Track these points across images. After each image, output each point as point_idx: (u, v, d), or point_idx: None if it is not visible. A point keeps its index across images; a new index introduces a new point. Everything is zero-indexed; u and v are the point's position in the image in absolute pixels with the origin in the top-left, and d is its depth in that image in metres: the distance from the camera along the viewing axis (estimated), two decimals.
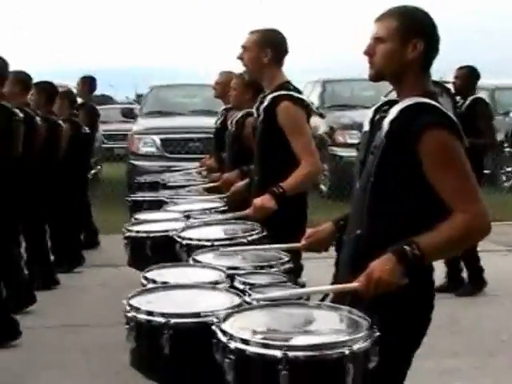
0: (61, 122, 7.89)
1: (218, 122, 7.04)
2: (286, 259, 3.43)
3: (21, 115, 6.07)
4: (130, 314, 2.74)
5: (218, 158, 6.60)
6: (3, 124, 5.70)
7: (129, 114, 16.20)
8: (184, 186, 6.19)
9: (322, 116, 12.77)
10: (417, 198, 2.81)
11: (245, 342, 2.35)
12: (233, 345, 2.36)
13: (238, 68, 5.61)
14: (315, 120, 14.32)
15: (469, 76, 7.30)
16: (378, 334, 2.43)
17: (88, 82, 9.99)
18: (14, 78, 6.29)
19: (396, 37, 2.86)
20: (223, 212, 4.69)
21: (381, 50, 2.89)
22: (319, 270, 5.39)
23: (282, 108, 4.27)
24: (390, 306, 2.74)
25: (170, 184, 6.37)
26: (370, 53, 2.95)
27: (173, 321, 2.64)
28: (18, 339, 5.73)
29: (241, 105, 5.87)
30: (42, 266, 7.30)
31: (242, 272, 3.22)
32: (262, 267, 3.33)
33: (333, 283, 3.16)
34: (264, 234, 3.89)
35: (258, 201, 4.18)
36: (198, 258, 3.47)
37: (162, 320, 2.65)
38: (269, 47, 4.40)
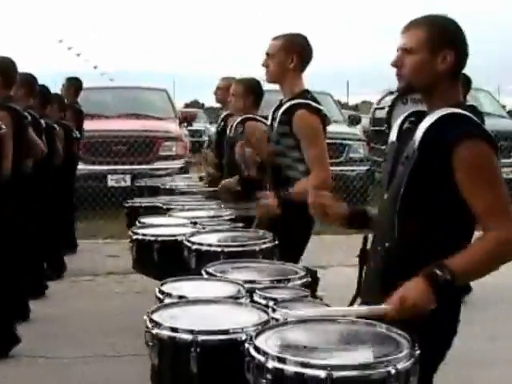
0: (55, 125, 7.81)
1: (219, 128, 6.93)
2: (303, 273, 3.32)
3: (29, 118, 5.97)
4: (152, 331, 2.60)
5: (218, 166, 6.48)
6: (13, 126, 5.55)
7: None
8: (184, 193, 6.11)
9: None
10: (449, 210, 2.73)
11: (282, 360, 2.22)
12: (270, 364, 2.22)
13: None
14: None
15: (461, 84, 7.29)
16: (418, 352, 2.33)
17: (74, 84, 9.85)
18: (19, 80, 6.17)
19: (425, 47, 2.78)
20: (231, 220, 4.58)
21: (410, 61, 2.81)
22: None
23: (298, 116, 4.20)
24: (421, 322, 2.65)
25: (170, 188, 6.29)
26: (398, 65, 2.86)
27: (201, 338, 2.50)
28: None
29: (240, 111, 5.78)
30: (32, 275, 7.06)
31: (261, 286, 3.10)
32: (279, 281, 3.21)
33: (357, 295, 3.08)
34: (275, 243, 3.80)
35: (262, 201, 4.23)
36: (211, 270, 3.35)
37: (189, 337, 2.51)
38: (295, 53, 4.32)
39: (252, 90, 5.73)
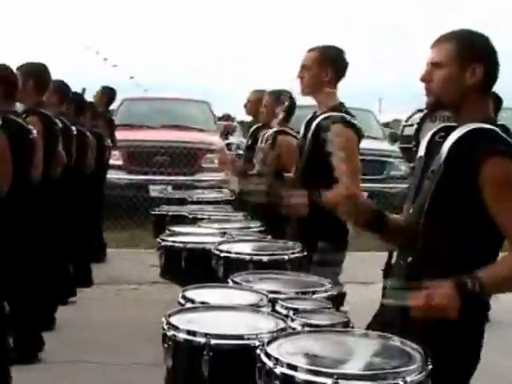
0: (88, 133, 7.91)
1: (249, 140, 6.92)
2: (329, 286, 3.30)
3: (60, 125, 6.05)
4: (168, 333, 2.61)
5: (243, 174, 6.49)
6: (44, 132, 5.63)
7: None
8: (211, 202, 6.14)
9: None
10: (473, 226, 2.70)
11: (292, 367, 2.21)
12: (279, 370, 2.22)
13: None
14: None
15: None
16: (431, 366, 2.29)
17: (107, 93, 9.96)
18: (52, 86, 6.25)
19: (454, 62, 2.76)
20: (260, 232, 4.58)
21: (438, 75, 2.80)
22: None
23: (333, 129, 4.18)
24: (442, 337, 2.62)
25: (196, 200, 6.32)
26: (427, 79, 2.85)
27: (214, 342, 2.50)
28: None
29: (271, 122, 5.80)
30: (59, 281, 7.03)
31: (284, 297, 3.09)
32: (304, 293, 3.20)
33: (380, 310, 3.05)
34: (304, 253, 3.79)
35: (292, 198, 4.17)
36: (237, 279, 3.35)
37: (202, 340, 2.51)
38: (330, 66, 4.32)
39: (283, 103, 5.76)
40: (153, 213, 5.93)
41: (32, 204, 5.21)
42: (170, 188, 11.03)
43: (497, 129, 2.73)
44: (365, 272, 8.23)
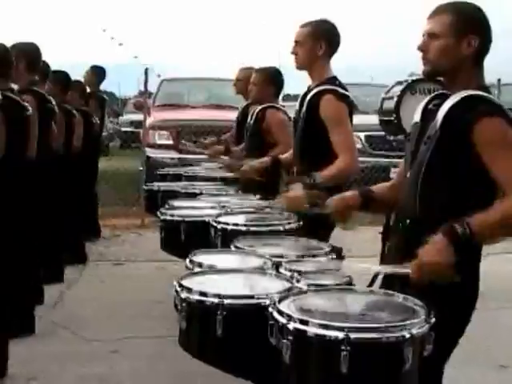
0: (74, 111, 7.97)
1: (239, 117, 7.04)
2: (328, 249, 3.43)
3: (53, 103, 6.14)
4: (182, 295, 2.73)
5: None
6: (38, 110, 5.70)
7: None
8: (205, 179, 6.19)
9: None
10: (469, 186, 2.83)
11: (304, 322, 2.34)
12: (292, 325, 2.35)
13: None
14: None
15: None
16: (433, 320, 2.43)
17: (97, 73, 9.96)
18: (53, 77, 6.29)
19: (451, 33, 2.88)
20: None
21: (435, 46, 2.91)
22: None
23: (324, 101, 4.29)
24: (439, 294, 2.76)
25: (191, 175, 6.37)
26: (423, 49, 2.97)
27: (227, 302, 2.62)
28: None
29: (261, 100, 5.92)
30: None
31: (287, 260, 3.22)
32: (305, 255, 3.33)
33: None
34: (300, 223, 3.90)
35: (290, 194, 4.15)
36: (240, 244, 3.48)
37: (215, 301, 2.63)
38: (323, 39, 4.40)
39: (272, 79, 5.88)
40: (145, 188, 5.98)
41: (28, 180, 5.29)
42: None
43: (489, 96, 2.86)
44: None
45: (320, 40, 4.39)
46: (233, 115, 12.86)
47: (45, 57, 6.22)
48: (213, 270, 3.06)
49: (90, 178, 9.15)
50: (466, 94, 2.85)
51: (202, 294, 2.69)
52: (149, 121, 12.42)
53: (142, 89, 12.15)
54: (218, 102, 13.74)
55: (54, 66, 7.10)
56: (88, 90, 9.34)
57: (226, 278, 2.97)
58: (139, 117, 27.01)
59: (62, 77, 7.76)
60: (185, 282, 2.80)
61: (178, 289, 2.77)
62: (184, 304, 2.73)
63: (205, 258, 3.26)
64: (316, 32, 4.41)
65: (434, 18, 2.94)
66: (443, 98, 2.97)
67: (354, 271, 2.86)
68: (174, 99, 14.17)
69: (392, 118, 6.81)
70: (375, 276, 3.06)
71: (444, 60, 2.91)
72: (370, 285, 3.05)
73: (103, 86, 10.74)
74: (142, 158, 11.28)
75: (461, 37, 2.87)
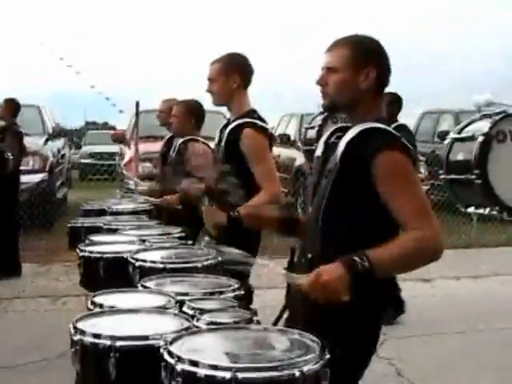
0: None
1: (164, 149, 7.00)
2: (237, 286, 3.38)
3: None
4: (75, 337, 2.65)
5: (162, 186, 6.56)
6: None
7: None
8: (130, 213, 6.12)
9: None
10: (370, 220, 2.82)
11: (194, 363, 2.28)
12: (180, 367, 2.29)
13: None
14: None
15: (392, 102, 7.05)
16: (328, 356, 2.39)
17: (11, 105, 9.84)
18: None
19: (348, 66, 2.89)
20: (180, 238, 4.63)
21: (334, 79, 2.92)
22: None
23: (245, 135, 4.30)
24: (341, 327, 2.74)
25: (115, 210, 6.29)
26: (322, 83, 2.97)
27: (119, 343, 2.56)
28: None
29: (182, 132, 5.99)
30: None
31: (192, 298, 3.16)
32: (212, 293, 3.27)
33: (285, 307, 3.15)
34: (219, 259, 3.85)
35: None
36: (147, 284, 3.41)
37: (108, 342, 2.56)
38: (236, 73, 4.40)
39: (193, 112, 5.89)
40: (69, 225, 5.89)
41: None
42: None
43: (388, 128, 2.87)
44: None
45: (233, 73, 4.39)
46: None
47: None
48: (111, 310, 2.98)
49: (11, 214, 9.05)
50: (364, 127, 2.85)
51: (95, 335, 2.62)
52: (130, 153, 12.10)
53: (98, 121, 12.02)
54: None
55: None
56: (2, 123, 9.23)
57: (123, 318, 2.89)
58: (98, 148, 26.89)
59: None
60: (79, 324, 2.73)
61: (72, 331, 2.69)
62: (78, 346, 2.65)
63: (107, 298, 3.18)
64: (228, 66, 4.41)
65: (332, 51, 2.95)
66: (345, 130, 2.96)
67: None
68: (154, 131, 13.85)
69: (313, 147, 6.82)
70: (280, 315, 3.03)
71: (342, 93, 2.91)
72: (275, 323, 3.01)
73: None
74: (121, 190, 11.11)
75: (358, 70, 2.88)
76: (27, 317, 7.71)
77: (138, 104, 11.04)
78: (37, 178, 12.42)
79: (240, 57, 4.50)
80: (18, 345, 6.57)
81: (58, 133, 14.93)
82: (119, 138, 12.71)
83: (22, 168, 11.41)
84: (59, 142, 14.63)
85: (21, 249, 10.13)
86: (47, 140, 13.76)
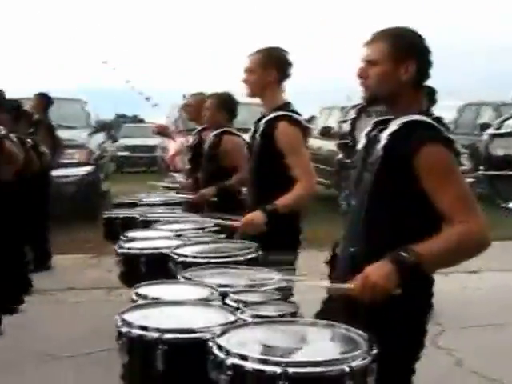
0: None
1: (194, 142, 7.01)
2: (278, 278, 3.39)
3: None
4: (122, 330, 2.68)
5: (193, 179, 6.59)
6: None
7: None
8: (161, 205, 6.16)
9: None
10: (413, 213, 2.81)
11: (243, 357, 2.30)
12: (230, 360, 2.31)
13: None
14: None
15: (427, 95, 7.09)
16: (376, 351, 2.40)
17: (43, 100, 9.88)
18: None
19: (388, 59, 2.88)
20: (216, 232, 4.64)
21: (374, 72, 2.91)
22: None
23: (280, 128, 4.29)
24: (387, 321, 2.73)
25: (147, 202, 6.34)
26: (362, 76, 2.97)
27: (167, 336, 2.58)
28: None
29: (215, 124, 6.01)
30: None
31: (234, 290, 3.17)
32: (253, 285, 3.29)
33: (326, 300, 3.16)
34: (259, 253, 3.86)
35: (248, 216, 4.24)
36: (189, 275, 3.43)
37: (155, 335, 2.59)
38: (273, 67, 4.40)
39: (225, 104, 5.94)
40: (104, 216, 5.93)
41: None
42: None
43: (430, 120, 2.86)
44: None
45: (271, 67, 4.39)
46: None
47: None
48: (156, 302, 3.01)
49: (44, 206, 9.10)
50: (406, 120, 2.84)
51: (142, 328, 2.65)
52: (175, 146, 12.10)
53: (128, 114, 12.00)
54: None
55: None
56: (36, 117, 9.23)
57: (169, 310, 2.91)
58: (134, 141, 26.73)
59: (13, 106, 7.68)
60: (126, 316, 2.75)
61: (119, 323, 2.72)
62: (125, 338, 2.68)
63: (150, 290, 3.20)
64: (266, 59, 4.40)
65: (372, 45, 2.95)
66: (386, 123, 2.96)
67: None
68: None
69: (348, 141, 6.80)
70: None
71: (383, 86, 2.91)
72: (317, 315, 3.02)
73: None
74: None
75: (398, 63, 2.87)
76: (82, 308, 7.71)
77: (184, 97, 11.01)
78: (83, 170, 12.53)
79: (280, 51, 4.49)
80: (79, 335, 6.57)
81: (102, 126, 15.00)
82: (163, 132, 12.67)
83: (67, 161, 11.63)
84: (101, 135, 14.67)
85: (67, 241, 10.22)
86: (91, 133, 13.85)
